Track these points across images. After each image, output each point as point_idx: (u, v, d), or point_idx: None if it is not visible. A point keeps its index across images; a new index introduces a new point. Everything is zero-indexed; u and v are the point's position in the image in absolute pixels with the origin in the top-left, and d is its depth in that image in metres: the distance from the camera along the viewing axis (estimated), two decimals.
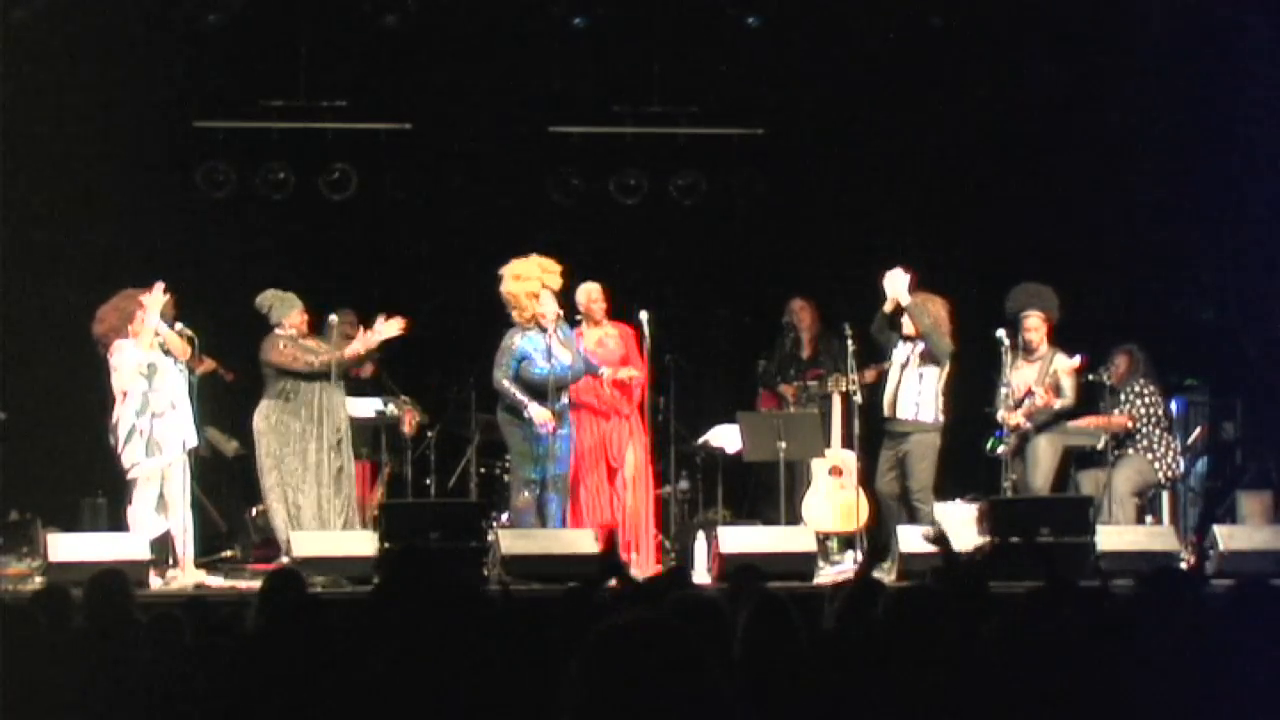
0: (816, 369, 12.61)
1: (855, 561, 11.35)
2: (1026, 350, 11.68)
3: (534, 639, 4.95)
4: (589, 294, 11.50)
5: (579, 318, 11.48)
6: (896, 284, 11.37)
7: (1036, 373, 11.65)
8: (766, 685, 4.62)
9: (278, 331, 11.26)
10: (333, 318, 11.70)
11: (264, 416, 11.21)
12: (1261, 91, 12.69)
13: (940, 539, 6.57)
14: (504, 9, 12.97)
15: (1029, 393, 11.58)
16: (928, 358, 11.44)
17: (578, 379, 11.25)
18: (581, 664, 2.96)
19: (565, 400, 11.20)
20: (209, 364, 11.77)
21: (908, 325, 11.42)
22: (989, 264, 12.96)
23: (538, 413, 10.97)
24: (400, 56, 13.02)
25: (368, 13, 12.76)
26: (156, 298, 10.76)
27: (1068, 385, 11.63)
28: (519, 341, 11.09)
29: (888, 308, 11.43)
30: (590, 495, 11.33)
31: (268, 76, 13.14)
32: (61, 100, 12.37)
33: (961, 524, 10.57)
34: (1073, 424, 11.80)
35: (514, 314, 11.14)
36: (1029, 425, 11.60)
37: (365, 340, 11.19)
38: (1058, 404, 11.62)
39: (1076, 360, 11.63)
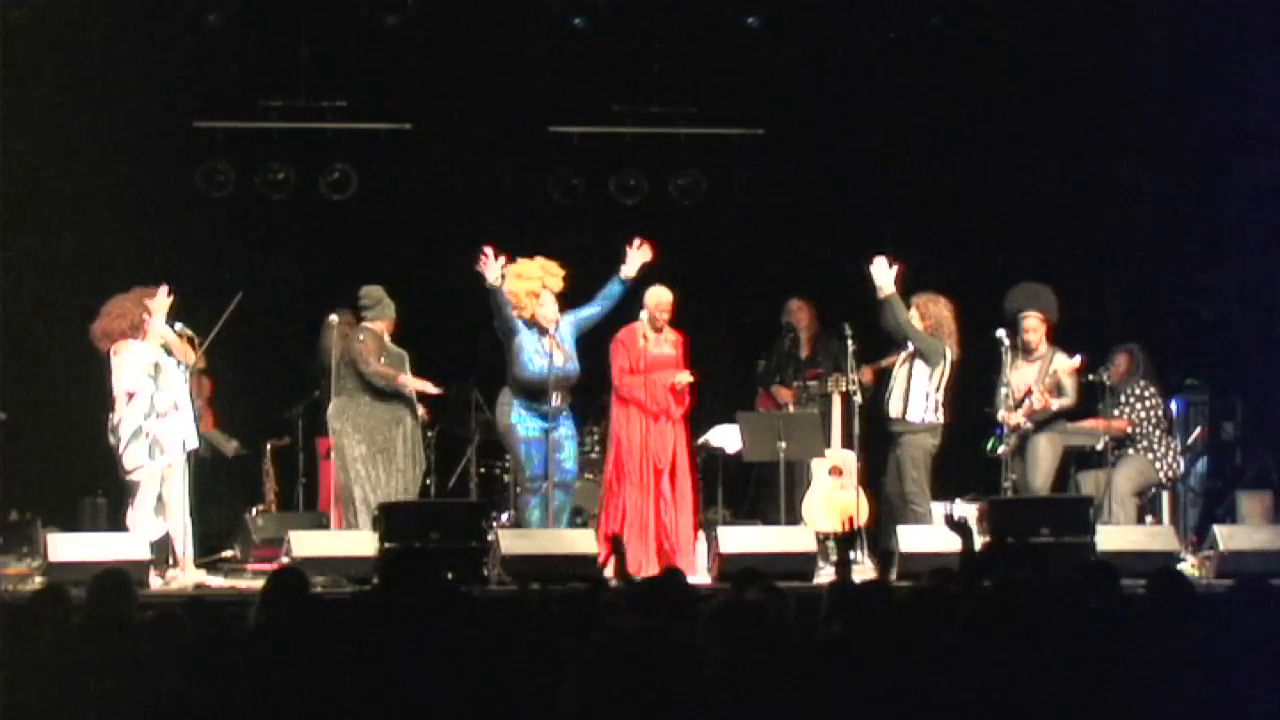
0: (815, 369, 12.61)
1: (856, 562, 11.35)
2: (1025, 350, 11.68)
3: (533, 640, 4.95)
4: (659, 303, 11.38)
5: (644, 315, 11.43)
6: (878, 273, 11.36)
7: (1036, 372, 11.64)
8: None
9: (369, 327, 11.38)
10: (333, 318, 11.75)
11: (361, 413, 11.28)
12: (1262, 91, 12.69)
13: (963, 527, 6.53)
14: (504, 9, 12.98)
15: (1029, 393, 11.58)
16: (917, 357, 11.44)
17: (569, 380, 11.26)
18: (580, 670, 2.97)
19: (557, 402, 11.18)
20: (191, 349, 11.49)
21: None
22: (989, 264, 12.96)
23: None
24: (400, 56, 13.03)
25: (368, 13, 12.77)
26: (162, 301, 10.79)
27: (1068, 385, 11.63)
28: (522, 335, 11.14)
29: (879, 295, 11.43)
30: (636, 493, 11.30)
31: (268, 76, 13.14)
32: (61, 100, 12.37)
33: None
34: (1073, 425, 11.80)
35: (515, 313, 11.19)
36: (1029, 425, 11.60)
37: (414, 384, 11.34)
38: (1055, 405, 11.61)
39: (1076, 360, 11.62)
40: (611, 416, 11.51)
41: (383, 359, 11.35)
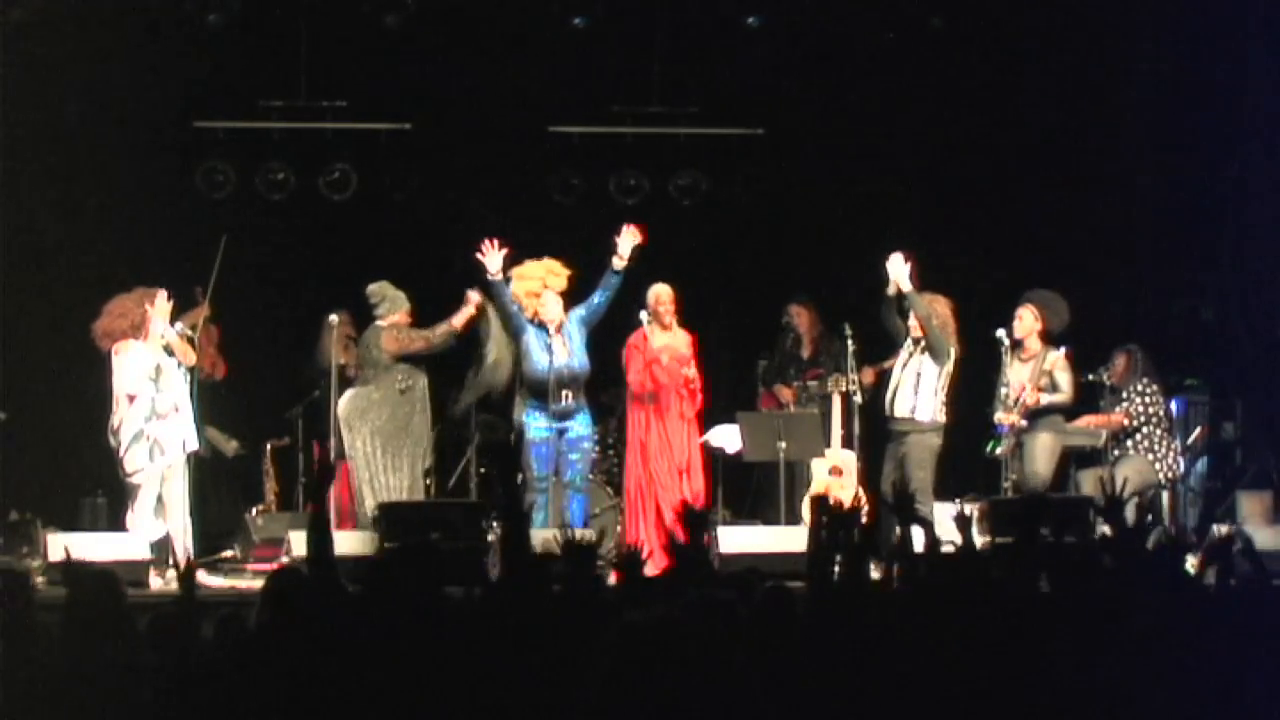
0: (817, 369, 12.61)
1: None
2: (1017, 344, 11.66)
3: (538, 637, 4.94)
4: (658, 296, 11.47)
5: (649, 318, 11.47)
6: (897, 269, 11.35)
7: (1030, 371, 11.64)
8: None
9: (381, 324, 11.42)
10: (333, 318, 11.76)
11: (374, 407, 11.34)
12: (1261, 91, 12.68)
13: (923, 521, 6.45)
14: (504, 9, 12.98)
15: (1023, 390, 11.58)
16: (927, 357, 11.43)
17: (576, 380, 11.28)
18: (599, 661, 2.95)
19: (567, 402, 11.19)
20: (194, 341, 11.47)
21: (912, 319, 11.41)
22: (989, 264, 12.95)
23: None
24: (400, 56, 13.02)
25: (368, 13, 12.77)
26: (162, 307, 10.81)
27: (1063, 380, 11.61)
28: (529, 334, 11.17)
29: (890, 291, 11.42)
30: (666, 494, 11.33)
31: (268, 76, 13.14)
32: (61, 100, 12.37)
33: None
34: (1072, 424, 11.79)
35: (521, 312, 11.25)
36: (1024, 424, 11.59)
37: (458, 319, 11.34)
38: (1046, 399, 11.58)
39: (1062, 351, 11.59)
40: (629, 422, 11.57)
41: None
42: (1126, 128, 13.31)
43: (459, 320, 11.36)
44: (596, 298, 11.29)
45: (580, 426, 11.34)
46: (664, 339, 11.50)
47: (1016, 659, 4.84)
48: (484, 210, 12.42)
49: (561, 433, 11.23)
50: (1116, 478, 11.58)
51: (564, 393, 11.17)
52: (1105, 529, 5.94)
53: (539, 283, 11.21)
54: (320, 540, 5.49)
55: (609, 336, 11.65)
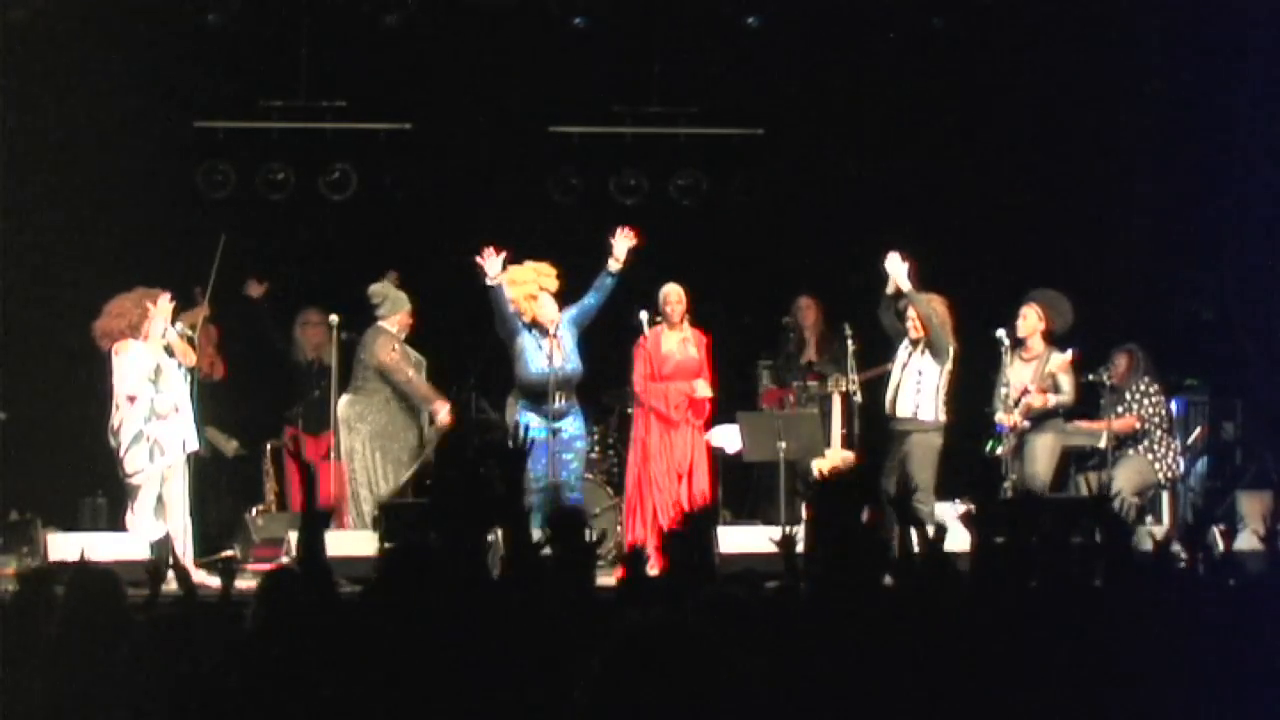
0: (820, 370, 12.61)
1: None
2: (1019, 344, 11.66)
3: (538, 636, 4.95)
4: (667, 296, 11.54)
5: (659, 318, 11.51)
6: (895, 268, 11.35)
7: (1032, 373, 11.64)
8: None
9: (385, 326, 11.47)
10: (333, 317, 11.78)
11: (373, 410, 11.39)
12: (1261, 91, 12.69)
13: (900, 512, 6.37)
14: (504, 9, 12.98)
15: (1024, 392, 11.58)
16: (927, 356, 11.43)
17: (569, 381, 11.30)
18: (601, 665, 2.94)
19: (565, 402, 11.21)
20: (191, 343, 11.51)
21: (912, 318, 11.41)
22: (989, 264, 12.95)
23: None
24: (400, 56, 13.03)
25: (368, 13, 12.78)
26: (164, 308, 10.82)
27: (1065, 382, 11.61)
28: (524, 337, 11.19)
29: (889, 290, 11.42)
30: (661, 496, 11.35)
31: (268, 76, 13.15)
32: (61, 100, 12.37)
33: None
34: (1073, 425, 11.79)
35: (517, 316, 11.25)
36: (1026, 425, 11.59)
37: (443, 417, 11.47)
38: (1053, 400, 11.59)
39: (1069, 354, 11.60)
40: (633, 421, 11.63)
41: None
42: (1126, 128, 13.31)
43: (439, 415, 11.44)
44: (589, 299, 11.31)
45: (573, 427, 11.35)
46: (674, 340, 11.52)
47: (1015, 658, 4.85)
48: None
49: (555, 433, 11.23)
50: (1116, 478, 11.63)
51: (558, 394, 11.18)
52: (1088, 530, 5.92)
53: (534, 285, 11.23)
54: (310, 540, 5.48)
55: (609, 337, 11.66)
